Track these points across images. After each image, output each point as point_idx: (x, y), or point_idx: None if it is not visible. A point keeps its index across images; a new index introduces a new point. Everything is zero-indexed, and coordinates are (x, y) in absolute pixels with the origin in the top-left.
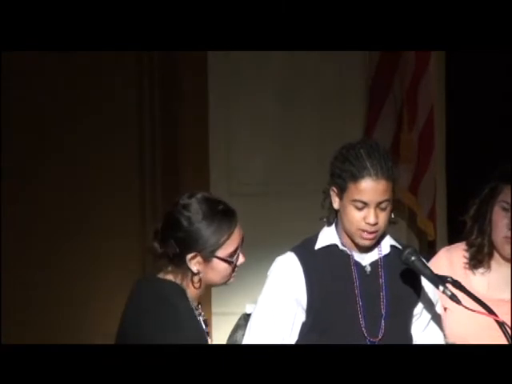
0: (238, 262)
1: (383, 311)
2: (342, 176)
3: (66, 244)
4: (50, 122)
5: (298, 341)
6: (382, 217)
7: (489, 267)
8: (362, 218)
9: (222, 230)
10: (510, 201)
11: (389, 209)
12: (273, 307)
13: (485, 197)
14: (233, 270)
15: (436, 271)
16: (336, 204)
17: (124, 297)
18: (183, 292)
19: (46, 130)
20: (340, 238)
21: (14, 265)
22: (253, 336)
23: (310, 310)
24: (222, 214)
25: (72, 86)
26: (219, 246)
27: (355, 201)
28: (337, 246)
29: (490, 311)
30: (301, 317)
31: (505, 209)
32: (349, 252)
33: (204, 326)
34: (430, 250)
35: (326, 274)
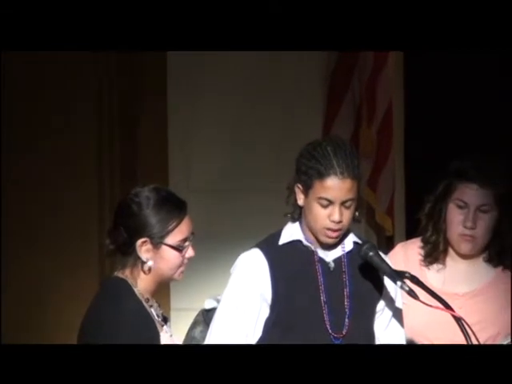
0: (187, 255)
1: (347, 307)
2: (308, 173)
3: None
4: (9, 121)
5: (261, 337)
6: (346, 215)
7: (444, 264)
8: (326, 216)
9: (170, 218)
10: (464, 198)
11: (353, 207)
12: (238, 302)
13: (439, 194)
14: (182, 262)
15: (392, 266)
16: (301, 201)
17: (81, 297)
18: (129, 287)
19: (8, 129)
20: (304, 233)
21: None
22: (216, 331)
23: (275, 305)
24: (172, 203)
25: (34, 85)
26: (168, 232)
27: (320, 198)
28: (301, 241)
29: (448, 306)
30: (265, 312)
31: (459, 206)
32: (313, 248)
33: (157, 318)
34: (388, 246)
35: (291, 270)
